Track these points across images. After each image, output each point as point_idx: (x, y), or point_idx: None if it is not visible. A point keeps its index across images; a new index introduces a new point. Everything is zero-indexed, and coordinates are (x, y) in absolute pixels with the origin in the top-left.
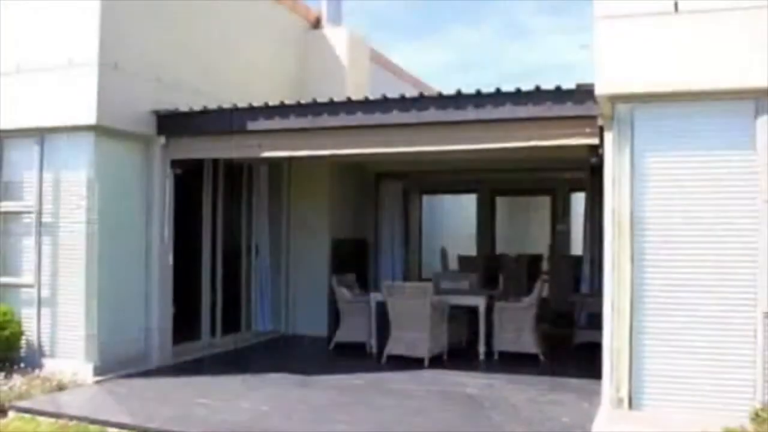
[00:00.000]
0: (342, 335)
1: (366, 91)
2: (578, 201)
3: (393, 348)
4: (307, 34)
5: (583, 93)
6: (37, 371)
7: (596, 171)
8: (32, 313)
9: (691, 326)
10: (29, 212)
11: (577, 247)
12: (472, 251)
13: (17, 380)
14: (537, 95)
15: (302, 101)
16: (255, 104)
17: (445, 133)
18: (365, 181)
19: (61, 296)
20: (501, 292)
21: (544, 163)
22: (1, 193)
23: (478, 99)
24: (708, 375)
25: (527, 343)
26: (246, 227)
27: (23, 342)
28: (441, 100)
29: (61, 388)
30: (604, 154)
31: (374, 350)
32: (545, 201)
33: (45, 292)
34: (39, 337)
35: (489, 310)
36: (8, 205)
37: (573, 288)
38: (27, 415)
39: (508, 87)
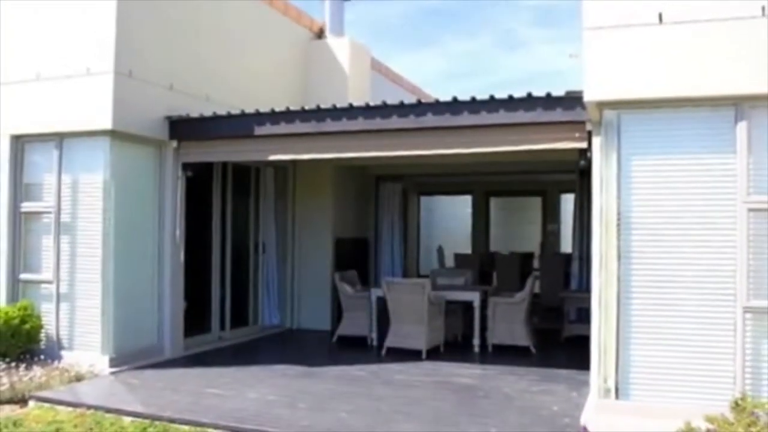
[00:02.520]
0: (344, 329)
1: (367, 97)
2: (568, 202)
3: (392, 341)
4: (311, 43)
5: (572, 100)
6: (56, 363)
7: (585, 173)
8: (51, 307)
9: (675, 320)
10: (48, 212)
11: (566, 246)
12: (468, 249)
13: (37, 371)
14: (529, 102)
15: (306, 107)
16: (262, 110)
17: (441, 137)
18: (366, 182)
19: (78, 292)
20: (495, 288)
21: (535, 166)
22: (23, 194)
23: (473, 105)
24: (691, 366)
25: (519, 336)
26: (253, 226)
27: (43, 335)
28: (438, 107)
29: (78, 378)
30: (592, 158)
31: (375, 343)
32: (537, 202)
33: (63, 288)
34: (58, 331)
35: (483, 305)
36: (29, 206)
37: (563, 284)
38: (46, 405)
39: (501, 94)
